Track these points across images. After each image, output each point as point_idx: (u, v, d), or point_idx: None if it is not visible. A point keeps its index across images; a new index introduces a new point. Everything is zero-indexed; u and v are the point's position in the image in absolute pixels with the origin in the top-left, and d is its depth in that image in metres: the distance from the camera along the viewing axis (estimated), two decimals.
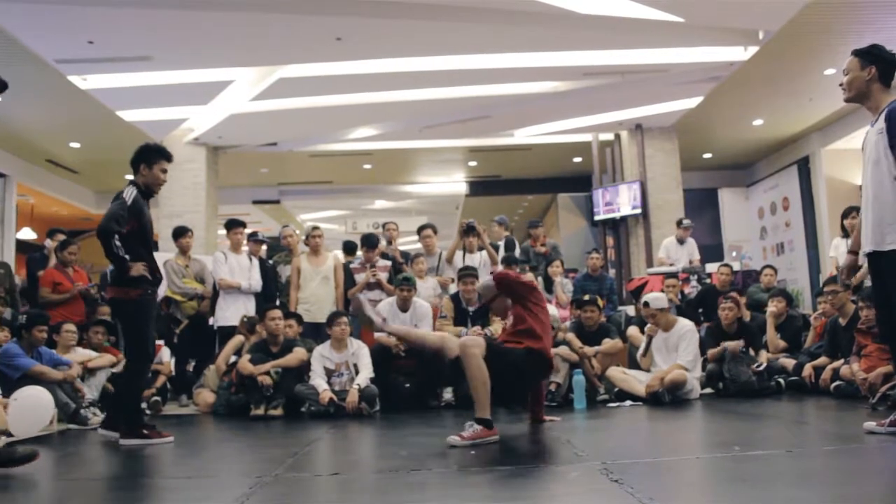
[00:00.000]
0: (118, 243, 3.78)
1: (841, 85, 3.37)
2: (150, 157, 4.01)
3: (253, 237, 7.01)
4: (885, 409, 3.93)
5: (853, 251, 3.52)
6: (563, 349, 5.43)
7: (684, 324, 5.44)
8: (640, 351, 5.56)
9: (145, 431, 3.81)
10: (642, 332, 5.76)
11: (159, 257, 7.20)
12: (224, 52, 7.63)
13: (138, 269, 3.84)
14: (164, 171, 4.06)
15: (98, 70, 7.83)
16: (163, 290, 6.70)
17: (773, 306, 6.19)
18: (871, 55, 3.25)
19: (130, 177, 4.13)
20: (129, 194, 3.90)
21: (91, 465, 3.38)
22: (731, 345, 5.41)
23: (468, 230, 6.68)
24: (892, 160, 3.12)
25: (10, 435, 3.10)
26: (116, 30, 6.85)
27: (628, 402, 5.11)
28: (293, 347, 5.41)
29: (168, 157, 4.08)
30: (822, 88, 8.92)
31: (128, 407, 3.91)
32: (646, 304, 5.44)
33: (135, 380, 4.00)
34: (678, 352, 5.27)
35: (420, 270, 6.46)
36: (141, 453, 3.65)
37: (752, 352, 5.62)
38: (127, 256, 3.82)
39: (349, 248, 7.73)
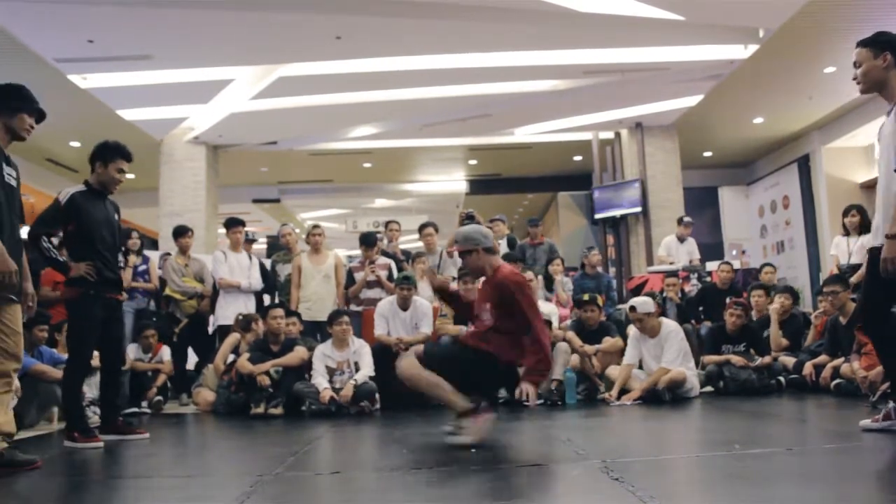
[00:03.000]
0: (46, 245, 3.79)
1: (854, 78, 3.26)
2: (107, 155, 3.93)
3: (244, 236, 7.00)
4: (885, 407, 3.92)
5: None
6: (562, 345, 5.45)
7: (668, 324, 5.41)
8: (625, 359, 5.50)
9: (75, 435, 3.70)
10: None
11: (158, 256, 7.28)
12: (224, 51, 7.64)
13: (79, 269, 3.82)
14: (121, 171, 3.96)
15: (98, 69, 7.85)
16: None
17: (777, 303, 6.16)
18: (882, 42, 3.16)
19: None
20: (65, 194, 3.88)
21: (91, 463, 3.38)
22: (736, 360, 5.41)
23: (468, 221, 6.59)
24: None
25: (11, 438, 3.10)
26: (116, 29, 6.86)
27: (628, 401, 5.11)
28: (294, 346, 5.41)
29: (127, 156, 3.98)
30: (822, 86, 8.92)
31: (65, 406, 3.87)
32: (632, 308, 5.41)
33: (67, 381, 3.90)
34: (663, 353, 5.26)
35: (421, 270, 6.45)
36: (141, 452, 3.66)
37: (752, 352, 5.61)
38: (61, 258, 3.85)
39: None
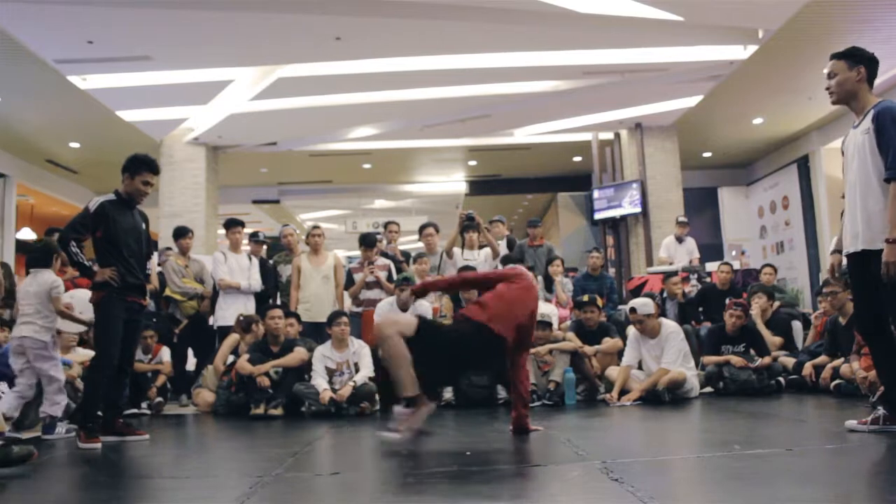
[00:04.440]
0: (75, 249, 3.94)
1: (828, 89, 3.39)
2: (135, 167, 4.10)
3: (254, 237, 7.01)
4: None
5: (838, 250, 3.56)
6: (563, 344, 5.46)
7: (668, 325, 5.41)
8: (623, 360, 5.50)
9: (80, 433, 3.78)
10: None
11: (158, 257, 7.27)
12: (223, 52, 7.64)
13: (103, 273, 3.95)
14: (147, 184, 4.13)
15: (98, 70, 7.84)
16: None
17: (755, 305, 6.22)
18: (857, 56, 3.29)
19: None
20: (95, 203, 4.03)
21: (91, 464, 3.38)
22: (736, 360, 5.41)
23: (468, 222, 6.58)
24: (880, 161, 3.14)
25: (2, 435, 3.09)
26: (116, 30, 6.86)
27: (628, 401, 5.11)
28: (294, 347, 5.40)
29: (154, 169, 4.16)
30: (821, 87, 8.71)
31: (82, 402, 3.96)
32: (633, 309, 5.41)
33: (91, 379, 3.99)
34: (663, 354, 5.26)
35: (423, 272, 6.44)
36: (141, 453, 3.66)
37: (752, 352, 5.61)
38: (87, 262, 3.98)
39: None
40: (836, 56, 3.34)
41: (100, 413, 4.30)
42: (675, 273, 7.71)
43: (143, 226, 4.25)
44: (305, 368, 5.35)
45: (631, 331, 5.48)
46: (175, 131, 10.15)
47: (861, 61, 3.28)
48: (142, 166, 4.11)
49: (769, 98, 9.58)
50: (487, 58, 8.01)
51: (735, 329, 5.64)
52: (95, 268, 4.02)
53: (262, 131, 10.43)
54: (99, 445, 3.73)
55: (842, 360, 5.08)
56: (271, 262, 6.88)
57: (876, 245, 3.16)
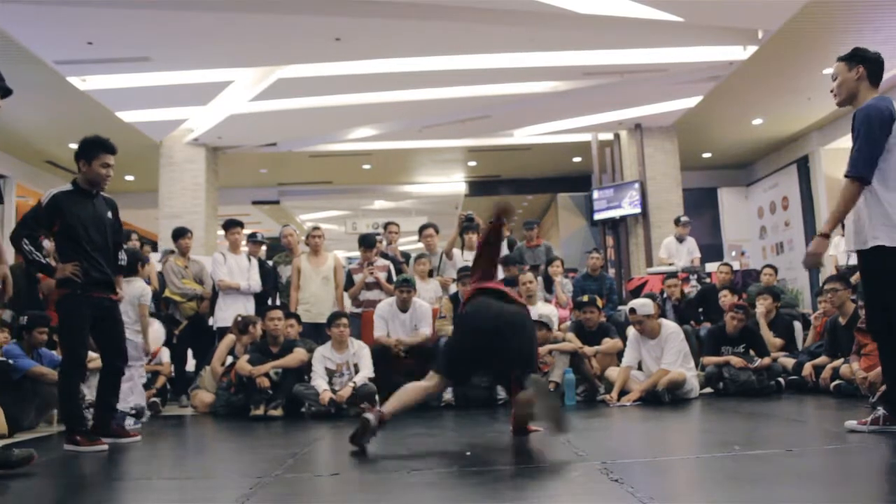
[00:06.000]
0: (28, 247, 3.71)
1: (832, 91, 3.45)
2: (90, 151, 3.80)
3: (252, 238, 7.01)
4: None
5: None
6: (562, 345, 5.46)
7: (668, 326, 5.40)
8: (623, 361, 5.50)
9: (78, 438, 3.62)
10: None
11: (158, 258, 7.27)
12: (223, 53, 7.64)
13: (64, 270, 3.72)
14: (107, 166, 3.82)
15: (97, 71, 7.85)
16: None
17: (760, 306, 6.22)
18: (856, 56, 3.34)
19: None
20: (47, 195, 3.79)
21: (90, 465, 3.38)
22: (735, 361, 5.41)
23: (468, 223, 6.60)
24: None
25: (4, 437, 3.08)
26: (116, 30, 6.86)
27: (628, 402, 5.11)
28: (293, 348, 5.40)
29: (110, 149, 3.84)
30: (821, 87, 8.91)
31: (62, 411, 3.81)
32: (632, 310, 5.41)
33: (63, 384, 3.81)
34: (663, 355, 5.26)
35: (423, 272, 6.44)
36: (141, 454, 3.66)
37: (751, 352, 5.61)
38: (44, 260, 3.78)
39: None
40: (839, 59, 3.40)
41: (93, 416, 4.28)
42: (675, 274, 7.72)
43: (109, 215, 3.94)
44: (305, 369, 5.34)
45: (631, 331, 5.47)
46: (175, 132, 10.15)
47: (860, 61, 3.31)
48: (97, 148, 3.80)
49: (769, 98, 9.59)
50: (487, 58, 8.01)
51: (735, 330, 5.63)
52: (55, 264, 3.79)
53: (262, 132, 10.44)
54: (105, 447, 3.63)
55: (842, 360, 5.08)
56: (271, 262, 6.88)
57: (868, 244, 3.19)
